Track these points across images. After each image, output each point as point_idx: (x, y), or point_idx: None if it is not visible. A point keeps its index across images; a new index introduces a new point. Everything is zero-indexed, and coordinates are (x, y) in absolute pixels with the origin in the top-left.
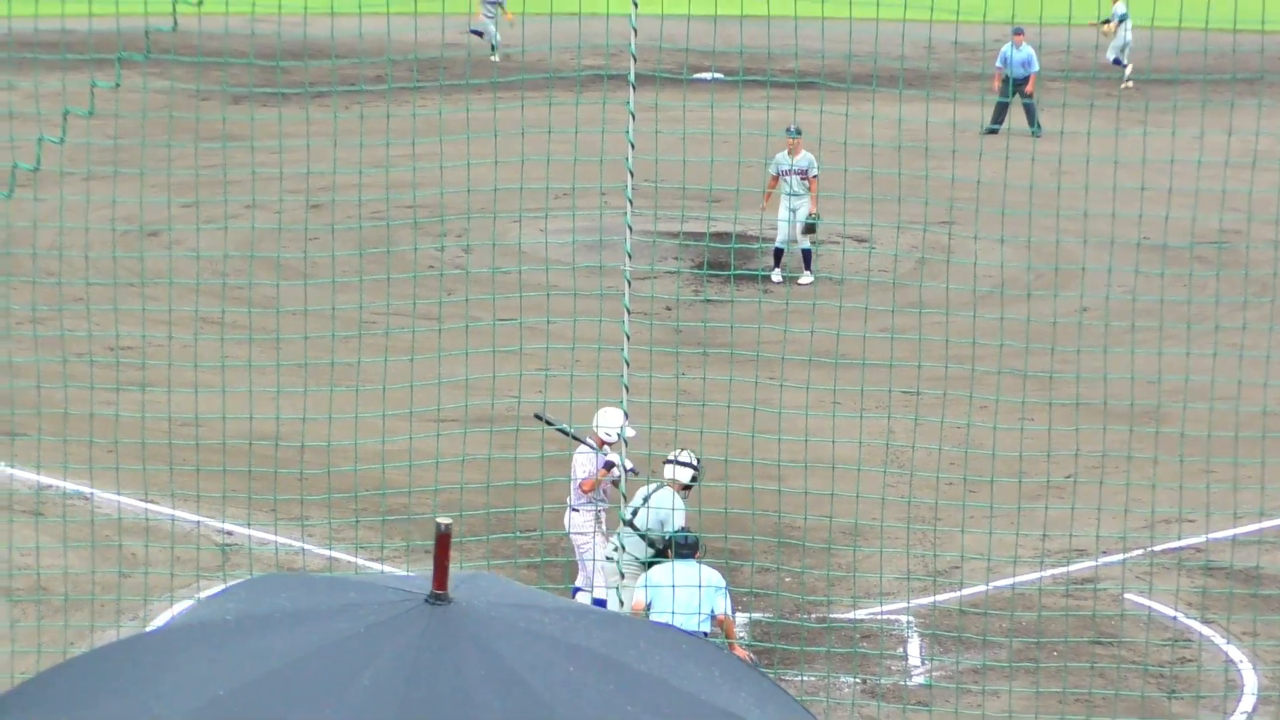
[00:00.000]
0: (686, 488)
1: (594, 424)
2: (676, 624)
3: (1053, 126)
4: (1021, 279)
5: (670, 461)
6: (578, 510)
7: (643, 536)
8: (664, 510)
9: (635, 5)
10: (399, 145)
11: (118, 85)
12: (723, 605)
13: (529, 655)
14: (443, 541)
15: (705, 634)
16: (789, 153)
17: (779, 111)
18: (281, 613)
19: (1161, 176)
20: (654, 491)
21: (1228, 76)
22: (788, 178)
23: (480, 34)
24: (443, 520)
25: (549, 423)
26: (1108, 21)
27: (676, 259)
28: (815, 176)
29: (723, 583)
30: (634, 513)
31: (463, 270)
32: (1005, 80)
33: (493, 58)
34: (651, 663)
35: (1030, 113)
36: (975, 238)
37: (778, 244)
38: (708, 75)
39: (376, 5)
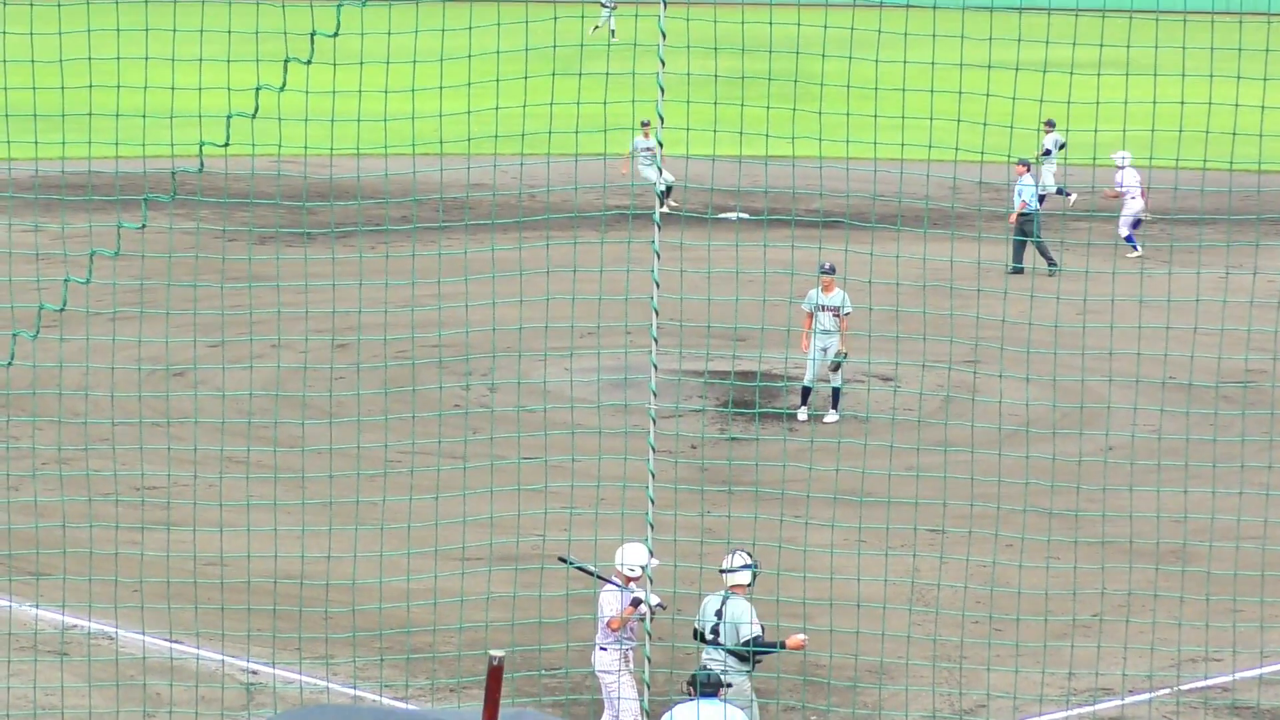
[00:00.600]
0: (749, 586)
1: (618, 561)
2: None
3: (1078, 265)
4: (1047, 417)
5: (727, 570)
6: (605, 649)
7: (730, 651)
8: (742, 619)
9: (660, 145)
10: (424, 285)
11: (144, 226)
12: None
13: None
14: (495, 675)
15: None
16: (822, 290)
17: (804, 251)
18: None
19: (1187, 316)
20: (725, 603)
21: (1253, 217)
22: (820, 315)
23: None
24: (495, 654)
25: (573, 564)
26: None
27: (702, 397)
28: (848, 314)
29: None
30: (713, 630)
31: (488, 409)
32: (1021, 216)
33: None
34: None
35: (1044, 249)
36: (1000, 376)
37: (806, 382)
38: (733, 215)
39: (402, 147)
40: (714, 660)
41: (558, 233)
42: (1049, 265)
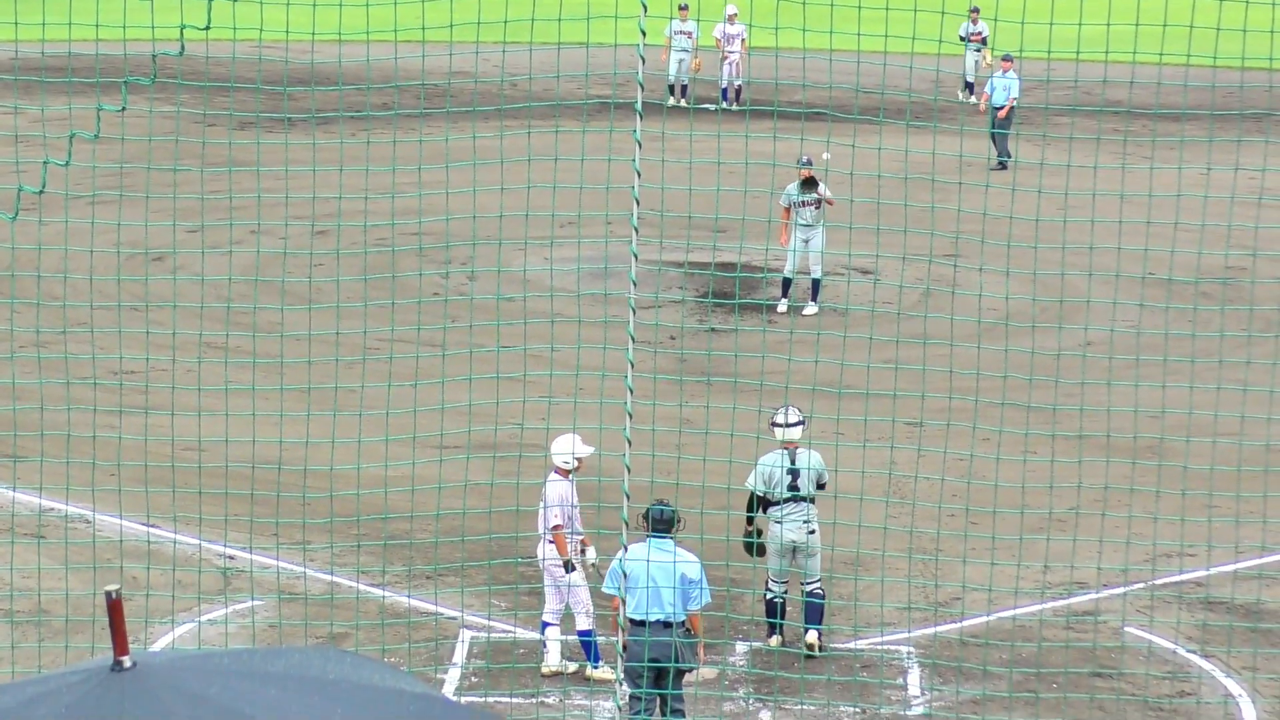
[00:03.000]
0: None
1: (551, 452)
2: (652, 617)
3: (1059, 160)
4: (1026, 312)
5: (783, 425)
6: (552, 541)
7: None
8: (823, 465)
9: (643, 34)
10: (405, 172)
11: (124, 109)
12: (697, 600)
13: (217, 688)
14: (116, 608)
15: (682, 623)
16: (801, 184)
17: (786, 143)
18: None
19: (1168, 212)
20: (794, 457)
21: (1234, 112)
22: (800, 209)
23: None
24: (111, 589)
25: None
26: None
27: (681, 288)
28: (829, 202)
29: (699, 574)
30: (791, 486)
31: (467, 297)
32: (989, 109)
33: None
34: (343, 671)
35: (1001, 141)
36: (980, 270)
37: (785, 274)
38: (713, 105)
39: (384, 33)
40: (794, 517)
41: (539, 122)
42: (1001, 157)
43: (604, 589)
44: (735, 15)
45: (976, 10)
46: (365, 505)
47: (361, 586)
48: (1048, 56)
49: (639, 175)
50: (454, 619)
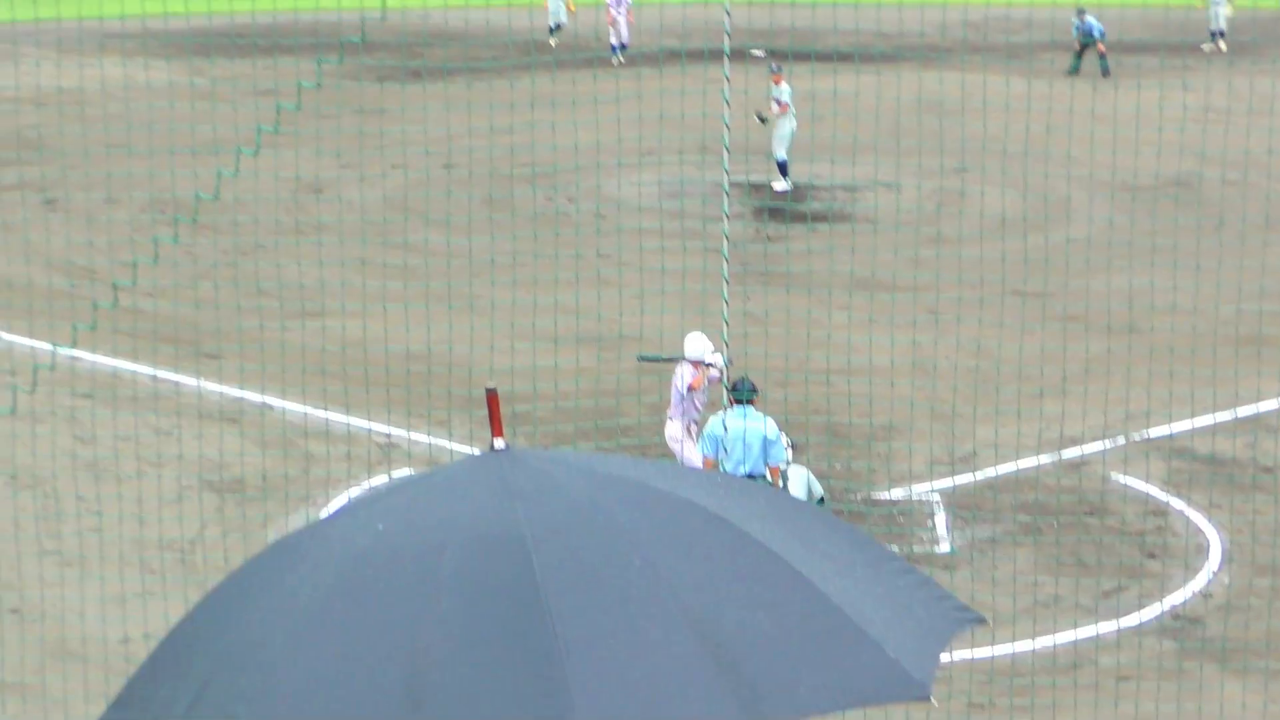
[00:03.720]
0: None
1: (686, 351)
2: (739, 471)
3: (1042, 87)
4: (1020, 218)
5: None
6: (673, 419)
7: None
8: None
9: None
10: (518, 114)
11: (319, 85)
12: (776, 456)
13: (573, 479)
14: (493, 400)
15: (764, 475)
16: (773, 84)
17: (824, 79)
18: (370, 502)
19: (1132, 127)
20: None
21: (1182, 43)
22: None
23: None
24: (490, 385)
25: (648, 358)
26: None
27: (741, 205)
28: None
29: (775, 433)
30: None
31: (571, 218)
32: (1082, 40)
33: (551, 41)
34: (711, 490)
35: (1103, 62)
36: (982, 183)
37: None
38: (758, 51)
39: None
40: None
41: (623, 71)
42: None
43: (700, 451)
44: None
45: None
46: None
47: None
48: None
49: (728, 104)
50: None
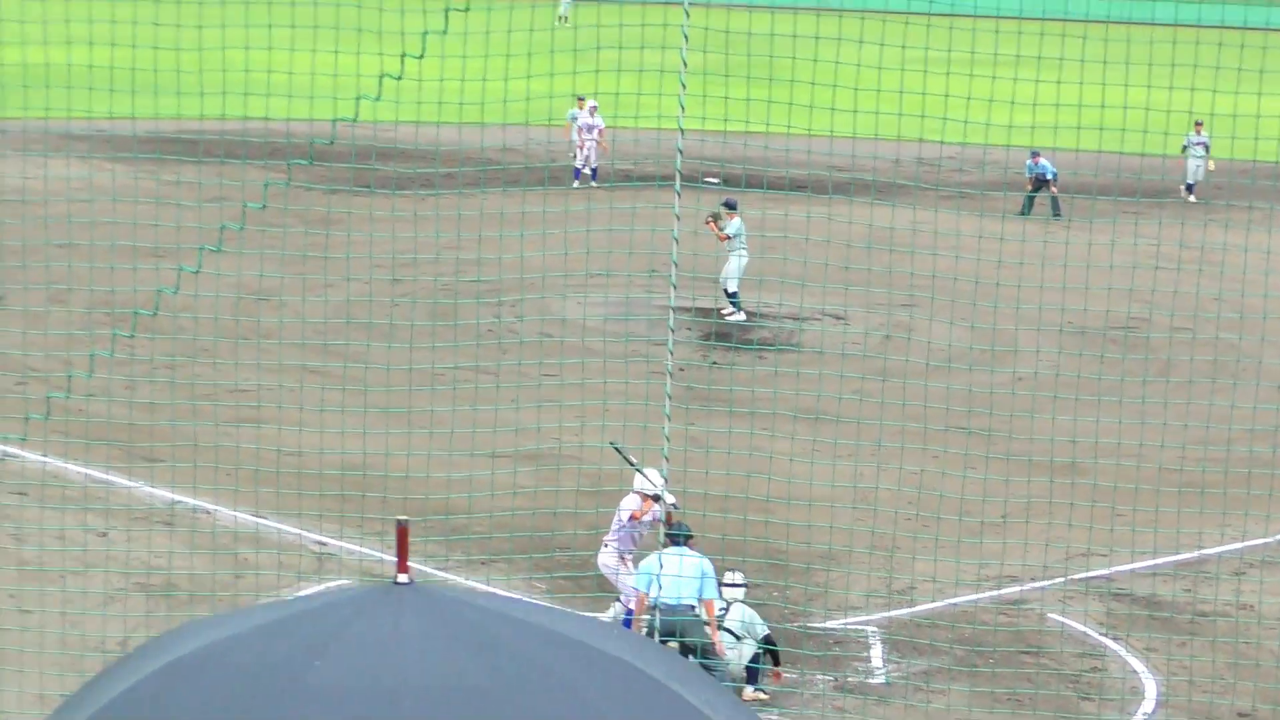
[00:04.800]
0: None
1: (637, 485)
2: (671, 603)
3: (993, 230)
4: (967, 353)
5: (727, 585)
6: (607, 546)
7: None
8: (755, 620)
9: (682, 132)
10: (466, 232)
11: (288, 184)
12: (710, 590)
13: (469, 622)
14: (402, 534)
15: (693, 608)
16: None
17: (774, 213)
18: (273, 605)
19: (1081, 273)
20: (737, 609)
21: (1135, 199)
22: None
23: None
24: (401, 518)
25: (620, 451)
26: None
27: (689, 330)
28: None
29: (709, 569)
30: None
31: (516, 335)
32: (1034, 182)
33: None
34: (599, 640)
35: (1054, 203)
36: (930, 319)
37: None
38: (714, 180)
39: (450, 116)
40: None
41: (575, 192)
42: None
43: (636, 585)
44: (595, 108)
45: (1200, 123)
46: (432, 504)
47: (429, 570)
48: (984, 143)
49: (676, 242)
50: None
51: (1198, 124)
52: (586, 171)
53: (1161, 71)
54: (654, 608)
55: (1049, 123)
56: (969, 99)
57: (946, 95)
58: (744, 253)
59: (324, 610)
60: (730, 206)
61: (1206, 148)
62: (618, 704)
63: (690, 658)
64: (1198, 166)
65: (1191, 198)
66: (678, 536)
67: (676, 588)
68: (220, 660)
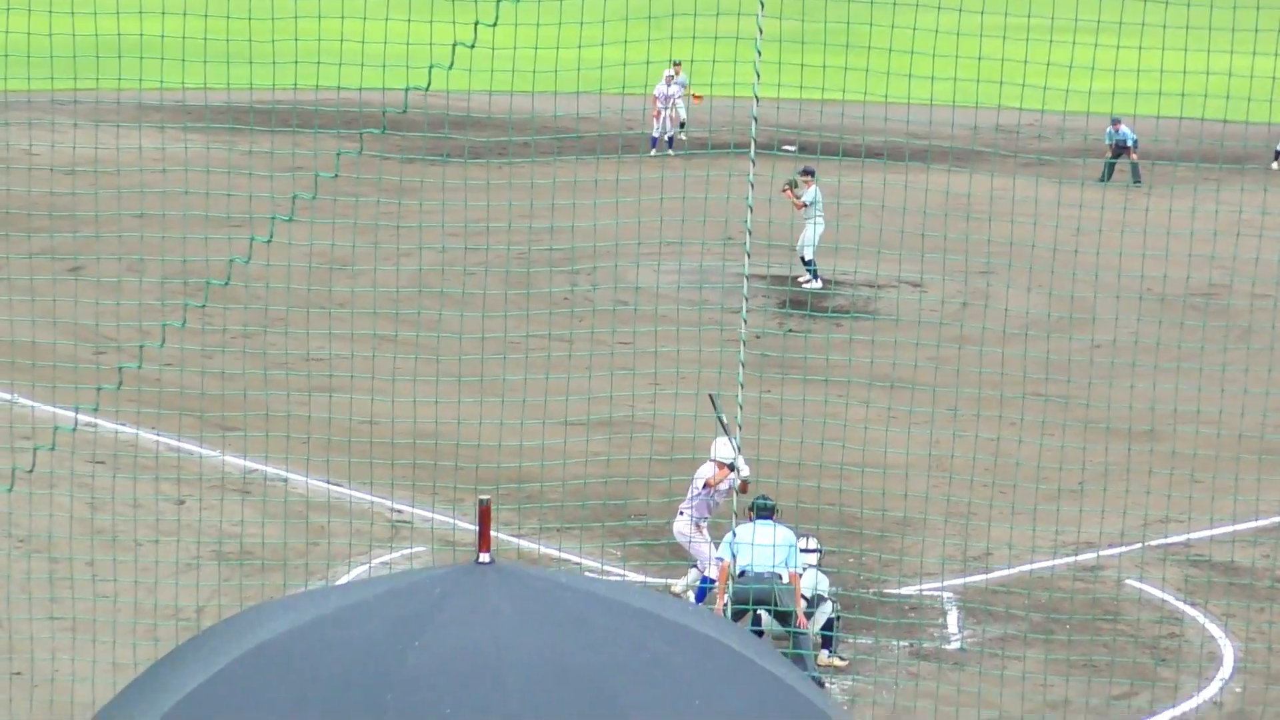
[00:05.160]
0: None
1: (713, 454)
2: (757, 567)
3: (1072, 197)
4: (1044, 320)
5: (801, 550)
6: (682, 514)
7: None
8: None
9: (757, 99)
10: (540, 200)
11: (360, 153)
12: (795, 561)
13: (557, 601)
14: (484, 513)
15: (780, 577)
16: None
17: (852, 176)
18: (350, 585)
19: (1162, 240)
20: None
21: (1217, 165)
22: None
23: (669, 140)
24: (484, 497)
25: (716, 406)
26: None
27: (765, 297)
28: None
29: (795, 540)
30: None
31: (591, 303)
32: (1114, 149)
33: (680, 136)
34: (685, 618)
35: (1135, 170)
36: (1008, 286)
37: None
38: (790, 148)
39: (523, 84)
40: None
41: (650, 160)
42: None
43: (716, 557)
44: (671, 77)
45: None
46: (505, 472)
47: (503, 537)
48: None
49: (751, 210)
50: (579, 564)
51: None
52: (664, 139)
53: (1244, 36)
54: (743, 574)
55: (1129, 89)
56: (1049, 65)
57: (1026, 61)
58: (820, 220)
59: (410, 591)
60: (808, 174)
61: None
62: (715, 683)
63: (779, 625)
64: None
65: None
66: (764, 509)
67: (766, 556)
68: (311, 643)
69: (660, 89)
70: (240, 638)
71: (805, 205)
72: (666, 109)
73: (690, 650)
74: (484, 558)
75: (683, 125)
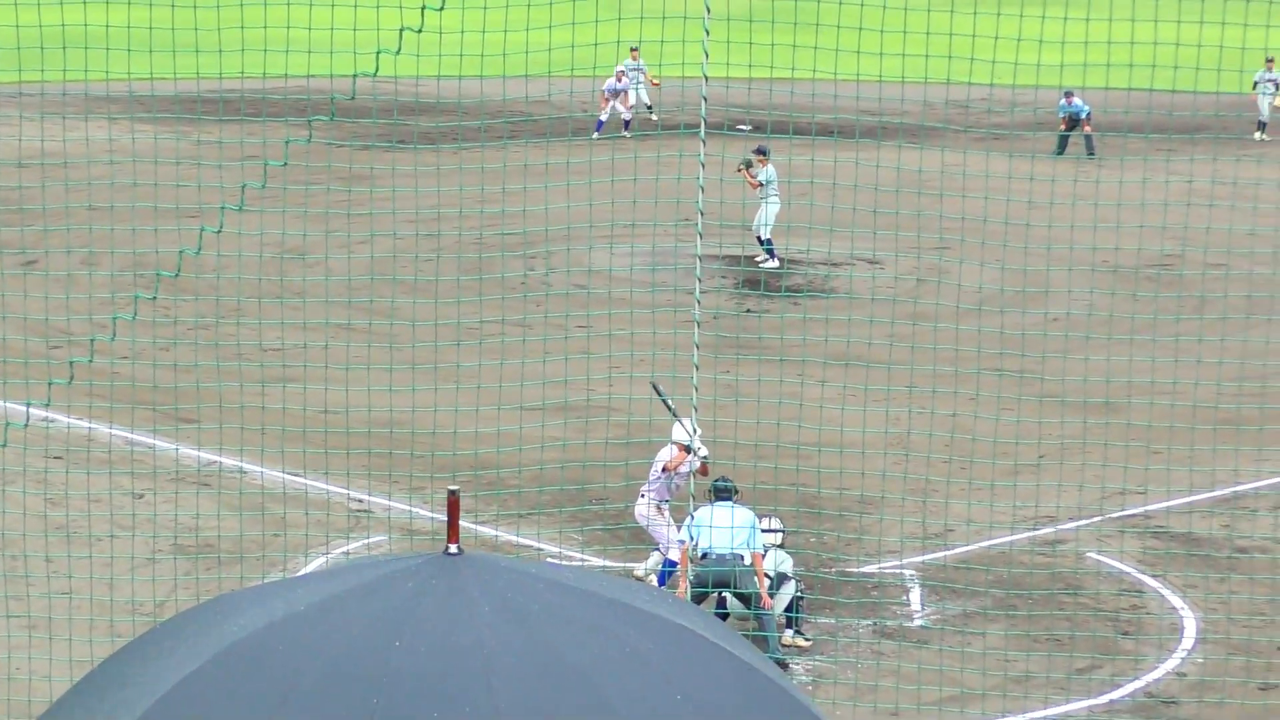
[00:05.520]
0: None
1: (674, 435)
2: (723, 553)
3: (1023, 170)
4: (999, 295)
5: (763, 530)
6: (643, 496)
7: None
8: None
9: (706, 79)
10: (492, 185)
11: (309, 140)
12: (756, 542)
13: (532, 594)
14: (453, 504)
15: (742, 558)
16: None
17: (803, 156)
18: (316, 577)
19: (1114, 212)
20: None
21: (1167, 135)
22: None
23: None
24: (453, 488)
25: (659, 392)
26: None
27: (722, 278)
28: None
29: (755, 521)
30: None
31: (546, 287)
32: (1068, 121)
33: (652, 117)
34: (655, 605)
35: (1089, 142)
36: (961, 261)
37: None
38: (745, 127)
39: (471, 68)
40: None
41: (601, 143)
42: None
43: (678, 540)
44: (623, 73)
45: (1271, 60)
46: (463, 459)
47: (463, 524)
48: (999, 84)
49: (702, 190)
50: (540, 550)
51: (1269, 60)
52: (621, 121)
53: (1191, 6)
54: (704, 556)
55: (1078, 61)
56: (997, 38)
57: (974, 35)
58: (776, 199)
59: (380, 585)
60: (762, 153)
61: (1277, 85)
62: (690, 674)
63: (742, 607)
64: (1268, 103)
65: (1263, 135)
66: (725, 491)
67: (726, 538)
68: (288, 643)
69: (610, 83)
70: (208, 634)
71: (760, 185)
72: (616, 98)
73: (665, 641)
74: (453, 549)
75: (650, 108)
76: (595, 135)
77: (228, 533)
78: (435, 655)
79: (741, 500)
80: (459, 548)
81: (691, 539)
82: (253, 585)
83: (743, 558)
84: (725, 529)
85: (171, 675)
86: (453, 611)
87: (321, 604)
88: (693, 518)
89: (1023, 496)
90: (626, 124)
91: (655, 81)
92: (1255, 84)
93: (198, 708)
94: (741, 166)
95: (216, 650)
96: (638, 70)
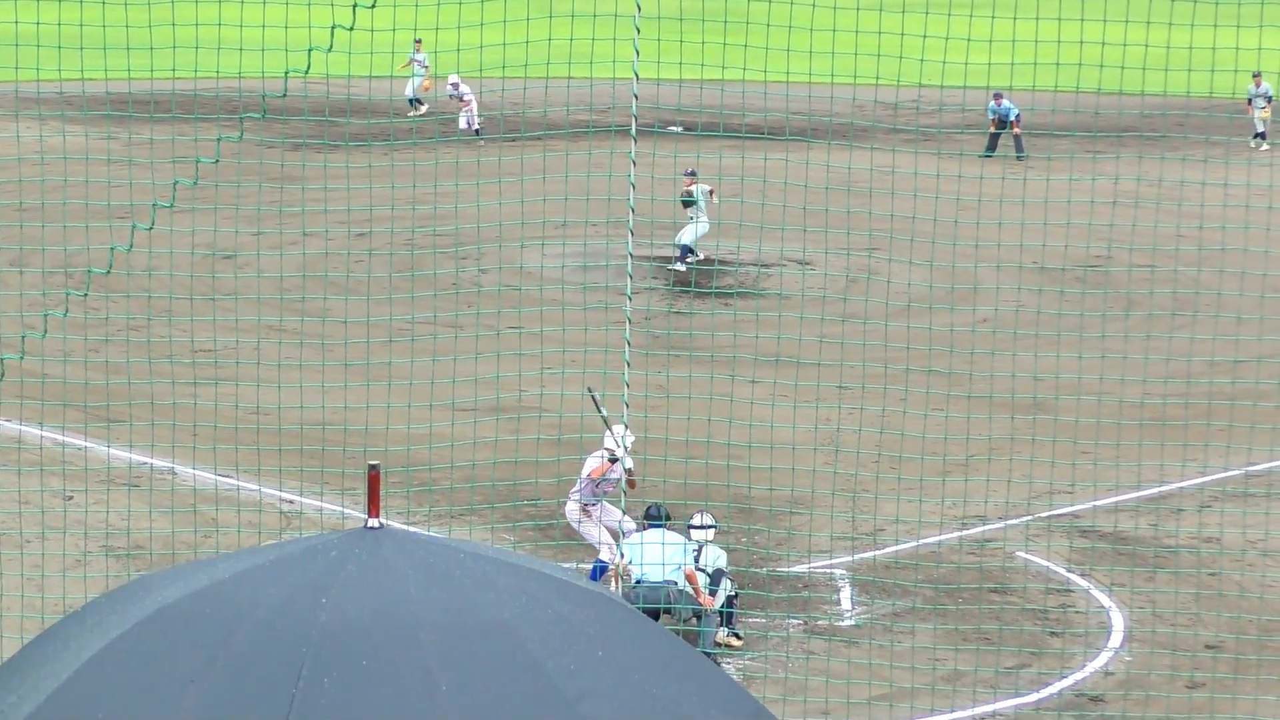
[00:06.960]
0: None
1: (604, 443)
2: (651, 577)
3: (950, 170)
4: (929, 295)
5: (695, 526)
6: (572, 499)
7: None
8: (721, 561)
9: (636, 76)
10: (424, 186)
11: (240, 138)
12: (686, 561)
13: (455, 561)
14: (374, 479)
15: (675, 583)
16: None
17: (731, 159)
18: (239, 553)
19: (1041, 212)
20: (704, 552)
21: (1092, 134)
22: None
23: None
24: (373, 462)
25: (594, 400)
26: None
27: (654, 278)
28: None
29: (686, 546)
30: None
31: (478, 287)
32: (997, 122)
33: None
34: (574, 579)
35: (1018, 143)
36: (890, 261)
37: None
38: (675, 128)
39: (405, 70)
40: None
41: (532, 143)
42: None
43: (619, 550)
44: (458, 83)
45: (1259, 75)
46: (395, 459)
47: (394, 525)
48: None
49: (634, 187)
50: None
51: (1256, 75)
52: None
53: (1117, 6)
54: (638, 583)
55: (1005, 61)
56: (924, 38)
57: (902, 35)
58: (704, 221)
59: (305, 555)
60: (691, 175)
61: (1268, 98)
62: (612, 636)
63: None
64: (1257, 116)
65: (1263, 144)
66: (655, 517)
67: (658, 570)
68: (215, 606)
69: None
70: (133, 605)
71: (694, 203)
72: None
73: (585, 605)
74: (374, 523)
75: (478, 132)
76: (481, 142)
77: (159, 533)
78: (363, 613)
79: (673, 526)
80: (380, 522)
81: (624, 557)
82: (176, 564)
83: (675, 583)
84: (656, 563)
85: (97, 641)
86: (377, 575)
87: (246, 572)
88: (625, 537)
89: (952, 495)
90: (478, 131)
91: (427, 85)
92: (1249, 99)
93: (127, 669)
94: (689, 175)
95: (143, 615)
96: (421, 63)
